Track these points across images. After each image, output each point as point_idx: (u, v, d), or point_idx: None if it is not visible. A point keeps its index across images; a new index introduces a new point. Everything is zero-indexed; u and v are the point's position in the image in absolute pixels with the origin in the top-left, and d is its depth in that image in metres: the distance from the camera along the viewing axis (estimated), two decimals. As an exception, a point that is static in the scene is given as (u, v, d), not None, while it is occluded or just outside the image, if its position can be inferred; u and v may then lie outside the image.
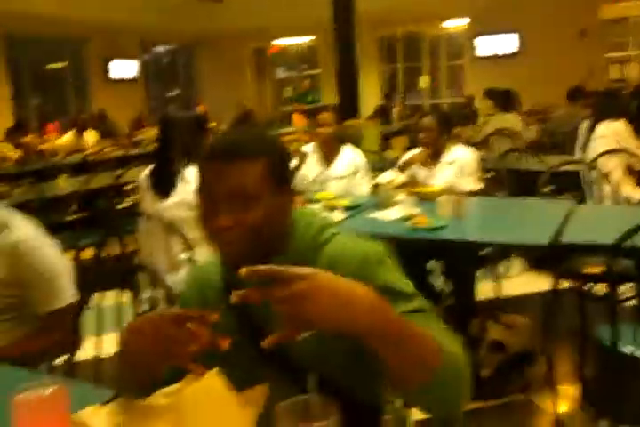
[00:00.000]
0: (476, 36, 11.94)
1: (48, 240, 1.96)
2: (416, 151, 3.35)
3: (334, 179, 3.43)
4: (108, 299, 1.96)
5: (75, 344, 1.96)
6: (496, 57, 11.71)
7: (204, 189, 1.08)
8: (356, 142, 4.90)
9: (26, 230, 1.89)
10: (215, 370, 0.95)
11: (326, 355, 1.09)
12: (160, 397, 1.06)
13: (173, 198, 2.55)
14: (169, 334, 0.94)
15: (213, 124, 11.14)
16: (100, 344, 1.89)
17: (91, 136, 7.87)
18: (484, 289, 3.28)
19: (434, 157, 3.31)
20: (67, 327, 1.90)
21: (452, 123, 3.51)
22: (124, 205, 4.84)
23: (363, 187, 3.44)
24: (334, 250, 1.13)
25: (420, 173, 3.35)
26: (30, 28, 10.08)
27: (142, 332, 0.95)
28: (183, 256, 2.46)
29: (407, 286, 1.09)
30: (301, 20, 11.73)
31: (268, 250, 1.10)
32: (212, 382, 0.94)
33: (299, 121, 10.54)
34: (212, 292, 1.21)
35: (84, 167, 6.39)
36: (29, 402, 0.96)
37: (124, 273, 2.27)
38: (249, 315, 1.15)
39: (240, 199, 1.04)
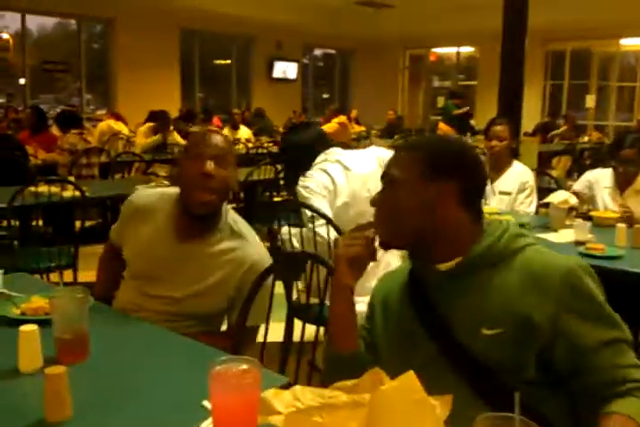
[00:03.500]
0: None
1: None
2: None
3: (498, 194, 3.31)
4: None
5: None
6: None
7: None
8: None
9: (262, 250, 1.86)
10: (411, 372, 0.94)
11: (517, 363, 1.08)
12: (336, 390, 1.06)
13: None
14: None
15: (362, 128, 11.26)
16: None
17: (244, 132, 8.23)
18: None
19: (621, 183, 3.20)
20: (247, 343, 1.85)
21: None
22: (279, 198, 5.02)
23: (528, 205, 3.28)
24: (531, 258, 1.15)
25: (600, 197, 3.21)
26: (203, 24, 10.78)
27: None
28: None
29: (611, 310, 1.09)
30: (466, 29, 11.53)
31: (427, 241, 1.17)
32: (408, 382, 0.93)
33: (445, 130, 10.29)
34: (395, 285, 1.28)
35: (240, 160, 6.70)
36: (226, 374, 1.00)
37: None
38: (431, 308, 1.18)
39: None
